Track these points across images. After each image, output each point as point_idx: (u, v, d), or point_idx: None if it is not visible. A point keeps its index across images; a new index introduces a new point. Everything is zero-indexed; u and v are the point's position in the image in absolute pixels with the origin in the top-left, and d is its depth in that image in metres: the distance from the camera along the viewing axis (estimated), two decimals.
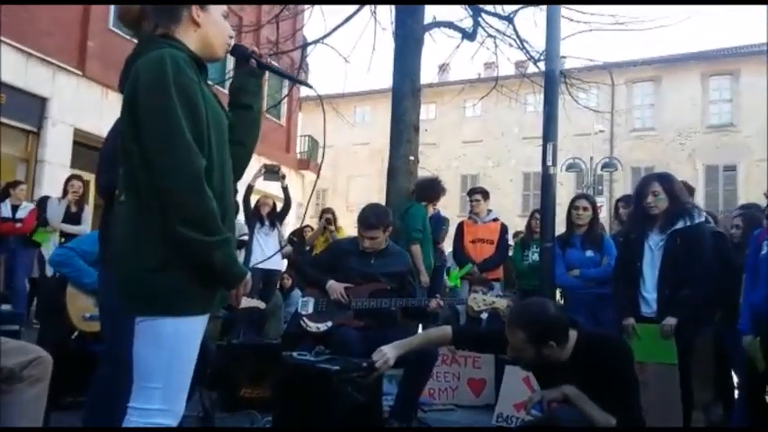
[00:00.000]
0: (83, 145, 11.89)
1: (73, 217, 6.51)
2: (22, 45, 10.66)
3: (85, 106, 11.64)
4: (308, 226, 10.14)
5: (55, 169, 11.40)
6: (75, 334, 3.74)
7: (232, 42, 2.05)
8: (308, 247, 8.00)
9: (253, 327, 5.78)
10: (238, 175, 2.10)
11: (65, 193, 6.92)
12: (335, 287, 4.00)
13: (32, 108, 11.07)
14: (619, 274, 4.16)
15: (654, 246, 3.90)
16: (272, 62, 2.50)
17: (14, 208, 8.14)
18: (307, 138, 23.20)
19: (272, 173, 7.10)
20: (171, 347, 1.76)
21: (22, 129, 10.90)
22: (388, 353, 2.85)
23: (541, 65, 8.51)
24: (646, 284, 3.90)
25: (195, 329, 1.83)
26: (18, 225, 8.09)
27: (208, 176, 1.76)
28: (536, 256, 5.64)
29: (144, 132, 1.72)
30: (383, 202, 5.88)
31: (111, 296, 2.36)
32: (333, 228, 7.71)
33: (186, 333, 1.79)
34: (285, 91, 12.98)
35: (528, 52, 8.80)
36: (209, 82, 2.03)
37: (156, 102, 1.72)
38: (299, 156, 22.13)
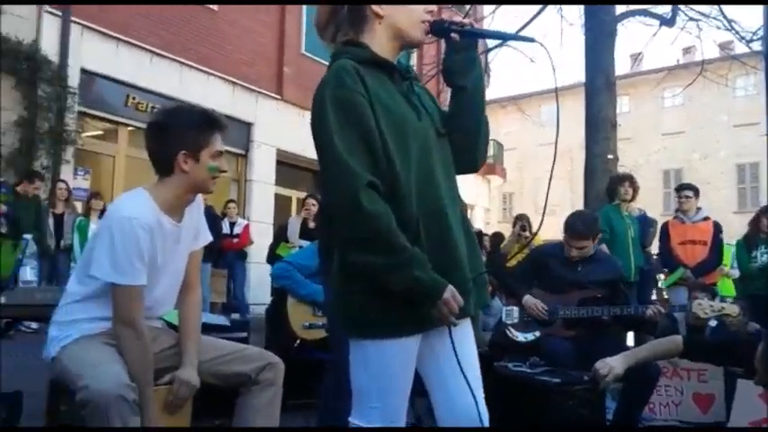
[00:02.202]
0: (285, 164, 12.92)
1: (309, 233, 6.97)
2: (229, 76, 11.79)
3: (285, 128, 12.54)
4: (498, 233, 10.02)
5: (262, 187, 12.47)
6: (297, 342, 3.96)
7: (430, 18, 1.78)
8: (498, 254, 7.89)
9: None
10: (466, 166, 1.90)
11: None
12: (531, 303, 3.84)
13: (240, 133, 12.15)
14: None
15: None
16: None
17: (231, 225, 9.05)
18: (492, 142, 23.05)
19: None
20: (379, 370, 1.66)
21: (233, 152, 11.99)
22: (614, 365, 2.66)
23: (754, 45, 7.71)
24: None
25: (404, 351, 1.68)
26: (235, 240, 8.98)
27: (391, 189, 1.60)
28: (765, 258, 5.04)
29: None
30: (575, 204, 5.63)
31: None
32: (527, 234, 7.51)
33: (393, 356, 1.66)
34: None
35: (738, 33, 8.01)
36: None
37: (314, 122, 1.63)
38: None
